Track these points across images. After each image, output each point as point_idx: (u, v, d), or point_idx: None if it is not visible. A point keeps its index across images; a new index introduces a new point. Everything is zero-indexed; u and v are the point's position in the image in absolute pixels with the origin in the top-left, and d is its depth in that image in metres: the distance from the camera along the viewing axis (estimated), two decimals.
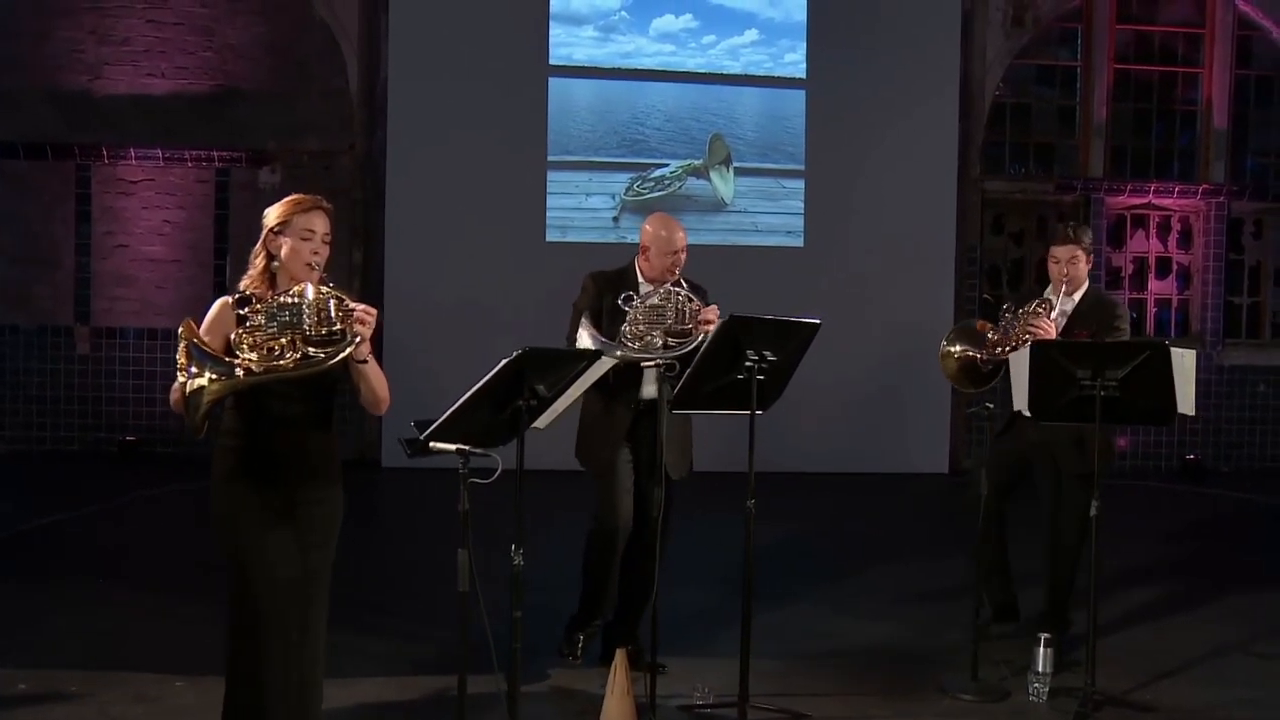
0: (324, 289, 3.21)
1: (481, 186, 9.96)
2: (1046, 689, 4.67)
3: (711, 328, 4.33)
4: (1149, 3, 11.29)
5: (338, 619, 5.04)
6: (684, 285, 4.50)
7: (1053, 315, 5.06)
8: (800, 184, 10.37)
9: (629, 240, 10.14)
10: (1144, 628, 5.77)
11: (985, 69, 10.83)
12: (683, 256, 4.58)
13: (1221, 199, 11.18)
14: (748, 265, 10.03)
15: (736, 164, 10.35)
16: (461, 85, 9.93)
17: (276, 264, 3.32)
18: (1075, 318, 5.18)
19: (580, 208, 10.21)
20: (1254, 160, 11.57)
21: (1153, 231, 11.36)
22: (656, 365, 4.18)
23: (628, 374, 4.46)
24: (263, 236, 3.35)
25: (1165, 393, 4.49)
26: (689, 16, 10.30)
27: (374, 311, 3.22)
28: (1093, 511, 4.60)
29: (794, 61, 10.38)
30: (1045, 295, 5.21)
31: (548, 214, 10.15)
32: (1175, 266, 11.41)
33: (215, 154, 10.22)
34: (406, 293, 9.94)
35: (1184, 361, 4.51)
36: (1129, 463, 11.00)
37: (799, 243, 10.40)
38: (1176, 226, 11.38)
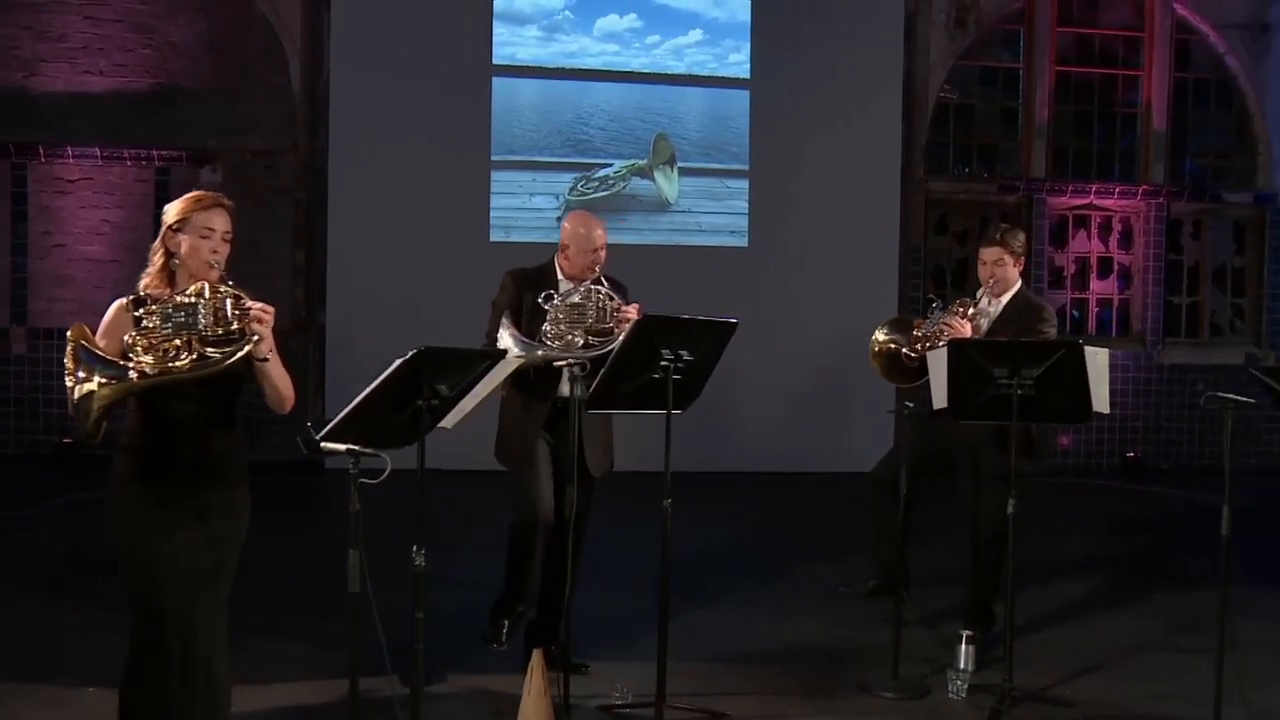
0: (222, 288, 3.18)
1: (425, 186, 9.91)
2: (966, 686, 4.70)
3: None
4: (1089, 5, 11.42)
5: (259, 622, 5.03)
6: (605, 283, 4.49)
7: (971, 313, 5.10)
8: (744, 184, 10.40)
9: None
10: (1071, 624, 5.83)
11: (929, 70, 10.91)
12: (603, 254, 4.57)
13: (1161, 200, 11.32)
14: (692, 265, 10.05)
15: (681, 164, 10.37)
16: (405, 84, 9.87)
17: (175, 262, 3.29)
18: (1000, 320, 5.20)
19: (524, 208, 10.19)
20: (1193, 162, 11.74)
21: (1094, 232, 11.49)
22: (569, 364, 4.16)
23: (547, 372, 4.44)
24: (161, 234, 3.32)
25: (1080, 391, 4.54)
26: (633, 16, 10.30)
27: (271, 310, 3.19)
28: (1009, 509, 4.64)
29: (738, 62, 10.40)
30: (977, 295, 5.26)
31: (491, 214, 10.13)
32: (1116, 266, 11.55)
33: (155, 153, 10.11)
34: (349, 293, 9.89)
35: (1098, 360, 4.55)
36: (1071, 460, 11.12)
37: (743, 243, 10.43)
38: (1117, 227, 11.52)
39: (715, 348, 4.30)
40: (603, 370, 4.14)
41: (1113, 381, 11.23)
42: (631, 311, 4.39)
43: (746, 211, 10.42)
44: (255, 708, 4.20)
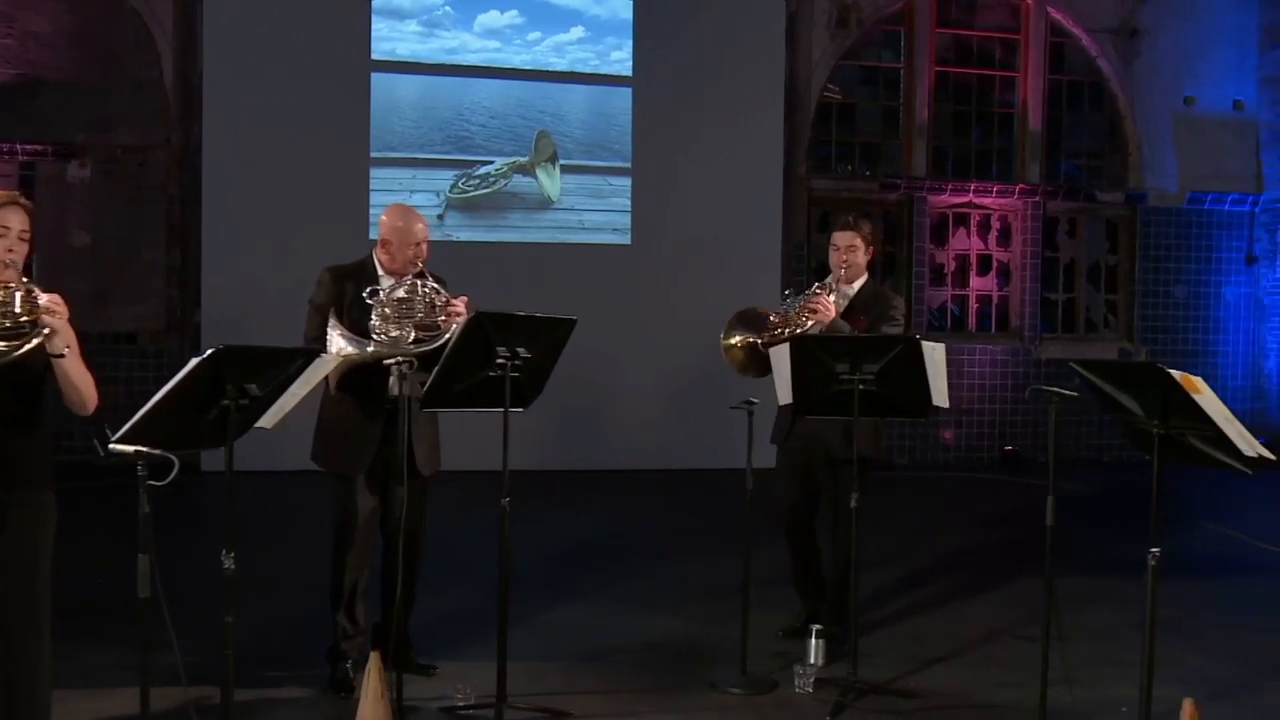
0: (24, 282, 3.10)
1: (303, 183, 9.74)
2: (812, 680, 4.73)
3: (462, 319, 4.26)
4: (967, 7, 11.64)
5: (84, 630, 4.88)
6: (429, 277, 4.43)
7: (832, 298, 5.13)
8: (627, 181, 10.40)
9: (453, 239, 10.05)
10: (927, 616, 5.91)
11: (811, 69, 11.02)
12: (425, 248, 4.53)
13: (1038, 199, 11.60)
14: (574, 263, 10.03)
15: (563, 161, 10.33)
16: (281, 79, 9.69)
17: None
18: (852, 306, 5.25)
19: None
20: (1067, 162, 12.04)
21: (974, 230, 11.72)
22: (397, 362, 4.09)
23: (376, 372, 4.35)
24: None
25: (919, 385, 4.61)
26: (514, 13, 10.24)
27: (63, 301, 3.11)
28: (853, 503, 4.70)
29: (620, 59, 10.40)
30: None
31: (371, 211, 9.96)
32: (995, 264, 11.80)
33: (19, 147, 9.78)
34: (225, 293, 9.67)
35: (935, 355, 4.62)
36: (953, 455, 11.33)
37: (626, 240, 10.43)
38: (996, 225, 11.77)
39: (555, 345, 4.27)
40: (436, 368, 4.08)
41: (992, 376, 11.55)
42: (460, 305, 4.34)
43: (629, 209, 10.42)
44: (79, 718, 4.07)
